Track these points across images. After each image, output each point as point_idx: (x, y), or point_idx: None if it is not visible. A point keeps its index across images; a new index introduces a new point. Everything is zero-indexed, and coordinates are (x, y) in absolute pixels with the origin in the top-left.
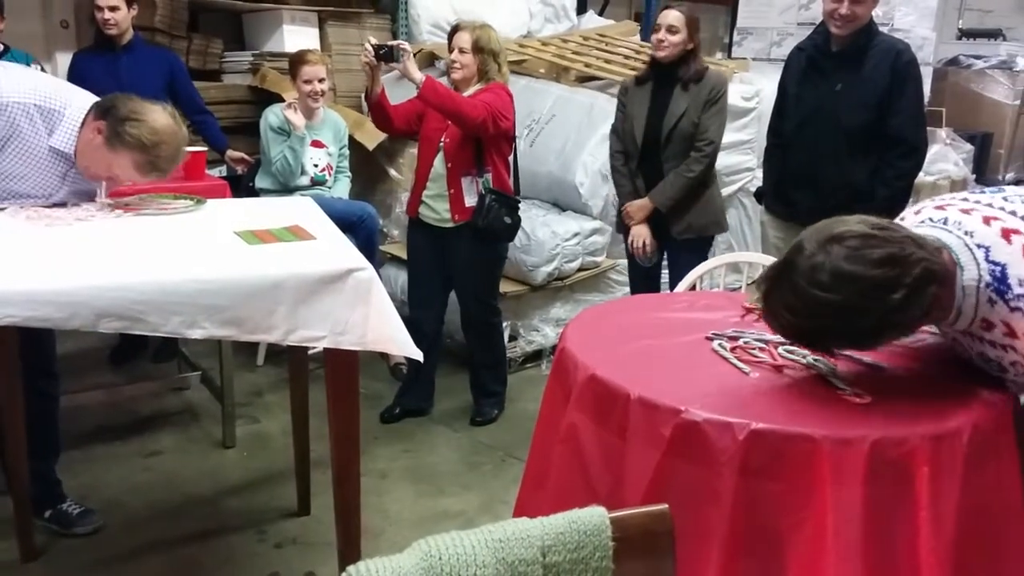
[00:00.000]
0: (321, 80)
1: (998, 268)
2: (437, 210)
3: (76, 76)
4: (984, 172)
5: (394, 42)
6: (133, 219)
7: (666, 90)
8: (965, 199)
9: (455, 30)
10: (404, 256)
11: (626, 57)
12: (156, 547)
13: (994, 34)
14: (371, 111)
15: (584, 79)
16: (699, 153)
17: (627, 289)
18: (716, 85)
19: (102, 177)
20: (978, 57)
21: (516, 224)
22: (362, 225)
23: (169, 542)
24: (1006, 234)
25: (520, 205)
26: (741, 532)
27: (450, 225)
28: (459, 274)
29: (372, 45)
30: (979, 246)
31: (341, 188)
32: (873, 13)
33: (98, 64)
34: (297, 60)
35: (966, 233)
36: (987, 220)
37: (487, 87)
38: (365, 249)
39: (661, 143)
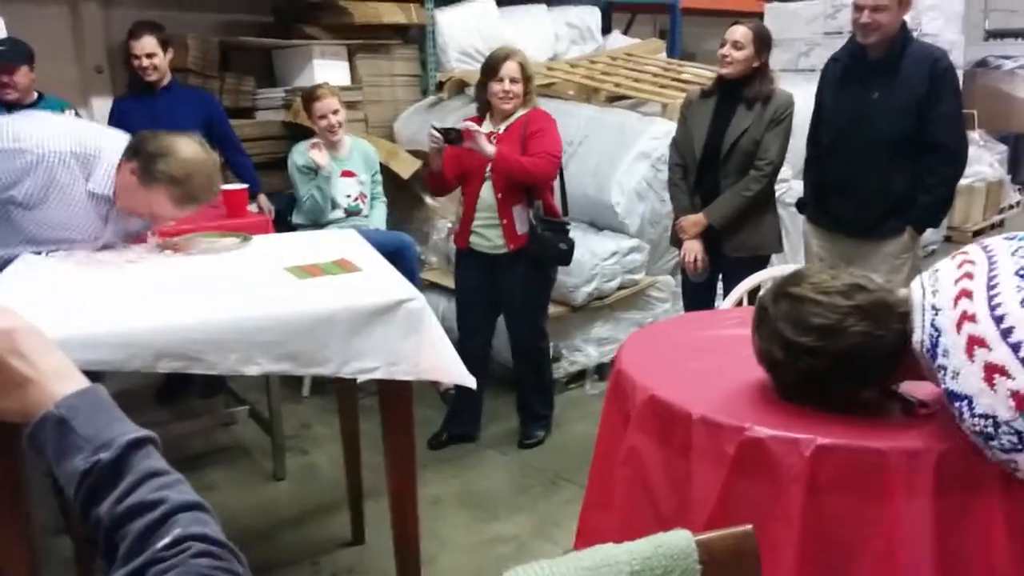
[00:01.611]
0: (335, 112)
1: (936, 333)
2: (489, 237)
3: (116, 121)
4: (1020, 172)
5: (460, 125)
6: (182, 259)
7: (730, 106)
8: (987, 247)
9: (502, 59)
10: (444, 283)
11: (655, 75)
12: None
13: (1021, 34)
14: (430, 180)
15: (614, 99)
16: (758, 172)
17: (667, 306)
18: (782, 104)
19: (145, 216)
20: (1007, 57)
21: (571, 247)
22: (401, 256)
23: None
24: (958, 296)
25: (570, 226)
26: (811, 548)
27: (503, 251)
28: (510, 299)
29: (438, 130)
30: (933, 307)
31: (377, 216)
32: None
33: (137, 108)
34: (308, 98)
35: (933, 292)
36: (957, 279)
37: (532, 115)
38: (407, 279)
39: (720, 159)
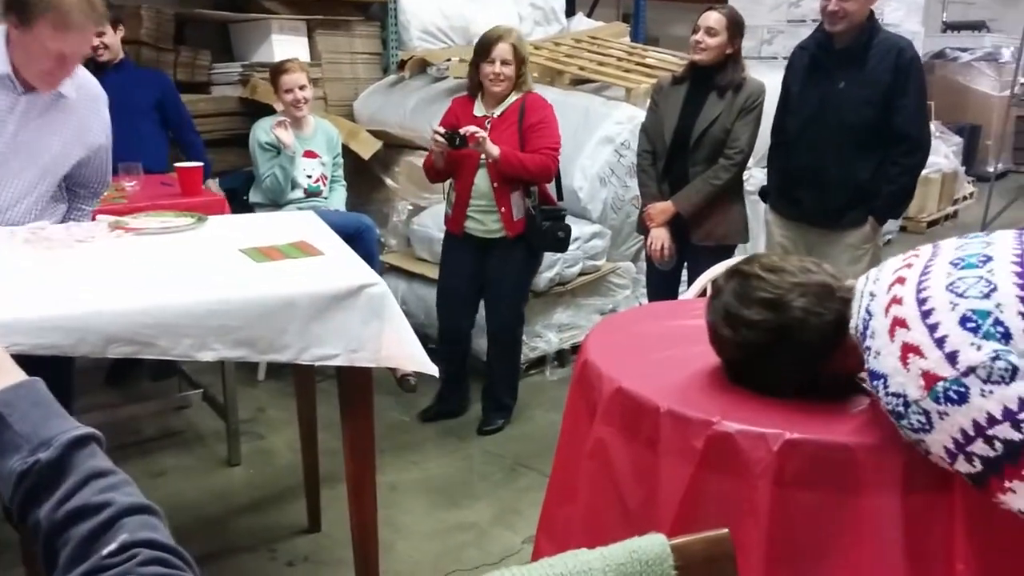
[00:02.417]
0: (302, 87)
1: (868, 317)
2: (485, 223)
3: None
4: (973, 164)
5: (465, 130)
6: (135, 239)
7: (701, 93)
8: (936, 245)
9: (495, 40)
10: (404, 266)
11: (619, 59)
12: None
13: (978, 26)
14: (429, 173)
15: (578, 82)
16: (728, 161)
17: (627, 292)
18: (753, 93)
19: (49, 66)
20: (964, 49)
21: (568, 233)
22: (361, 238)
23: None
24: (892, 283)
25: (565, 212)
26: (779, 544)
27: (499, 236)
28: (497, 283)
29: (443, 135)
30: (871, 293)
31: (337, 198)
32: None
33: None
34: (276, 71)
35: (875, 281)
36: (897, 269)
37: (530, 102)
38: (366, 261)
39: (690, 146)
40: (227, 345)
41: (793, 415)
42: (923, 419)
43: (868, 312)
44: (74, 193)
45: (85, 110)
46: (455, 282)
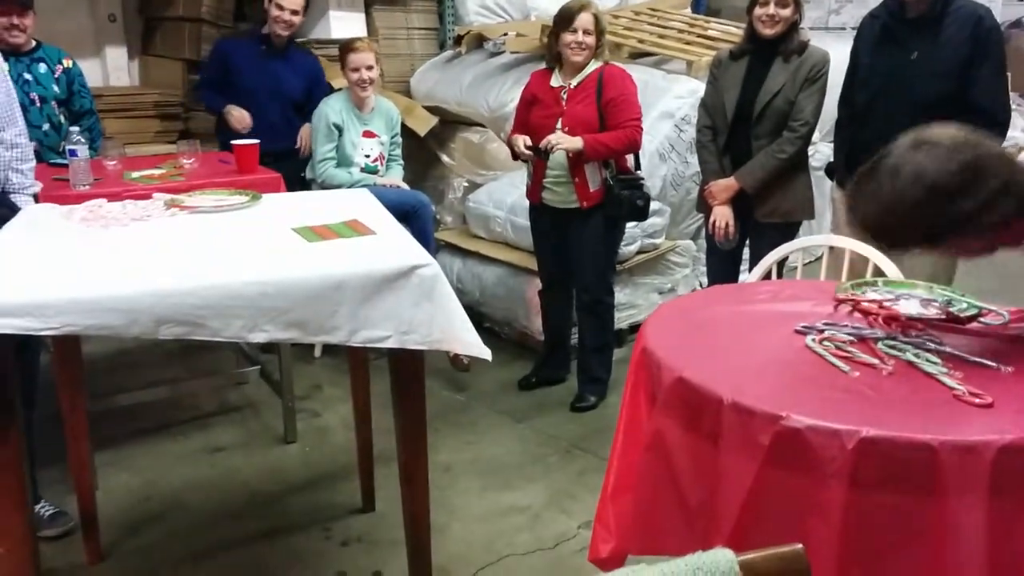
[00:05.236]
0: (369, 67)
1: None
2: (561, 193)
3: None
4: None
5: (545, 143)
6: (189, 217)
7: (764, 64)
8: None
9: (576, 10)
10: (460, 244)
11: (679, 31)
12: (222, 547)
13: None
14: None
15: (637, 55)
16: (793, 133)
17: (687, 271)
18: (817, 63)
19: None
20: None
21: (648, 201)
22: (416, 215)
23: (234, 542)
24: None
25: (643, 180)
26: (851, 549)
27: (575, 207)
28: (579, 253)
29: (529, 148)
30: None
31: (394, 176)
32: None
33: (255, 62)
34: (345, 48)
35: None
36: None
37: (608, 73)
38: (420, 239)
39: (753, 120)
40: (278, 327)
41: (869, 409)
42: None
43: None
44: None
45: None
46: (542, 249)
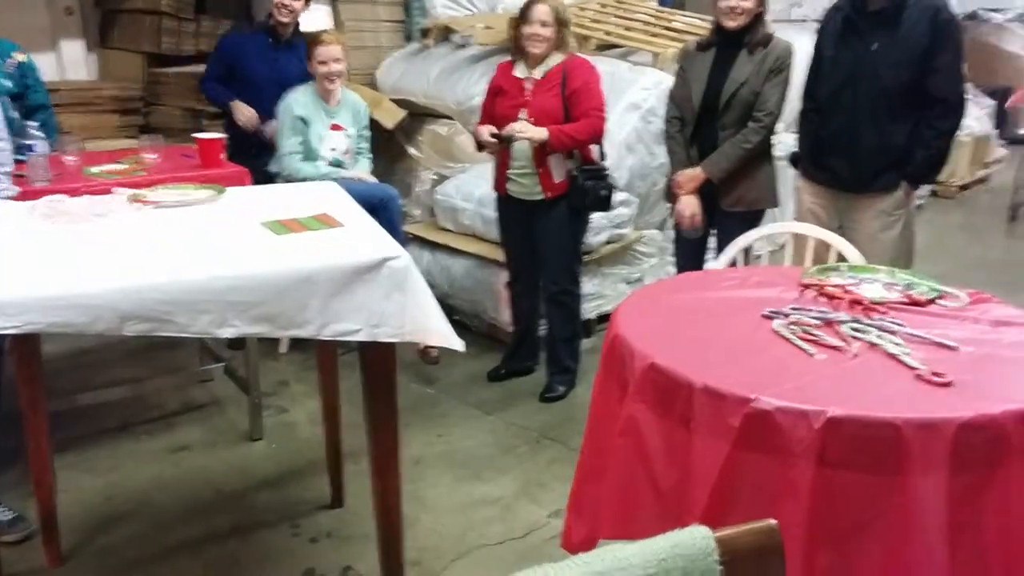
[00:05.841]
0: (337, 60)
1: None
2: (525, 184)
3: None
4: (1005, 127)
5: (509, 130)
6: (153, 212)
7: (729, 56)
8: None
9: (533, 2)
10: (428, 236)
11: (645, 23)
12: (189, 546)
13: None
14: (478, 147)
15: (604, 47)
16: (757, 124)
17: (654, 261)
18: (782, 54)
19: None
20: (996, 10)
21: (611, 192)
22: (384, 208)
23: (202, 540)
24: None
25: (608, 171)
26: (820, 526)
27: (540, 199)
28: (545, 244)
29: (493, 136)
30: None
31: (361, 170)
32: None
33: (262, 54)
34: (312, 41)
35: None
36: None
37: (572, 65)
38: (389, 232)
39: (719, 110)
40: (246, 321)
41: (835, 390)
42: None
43: None
44: None
45: None
46: (509, 241)
